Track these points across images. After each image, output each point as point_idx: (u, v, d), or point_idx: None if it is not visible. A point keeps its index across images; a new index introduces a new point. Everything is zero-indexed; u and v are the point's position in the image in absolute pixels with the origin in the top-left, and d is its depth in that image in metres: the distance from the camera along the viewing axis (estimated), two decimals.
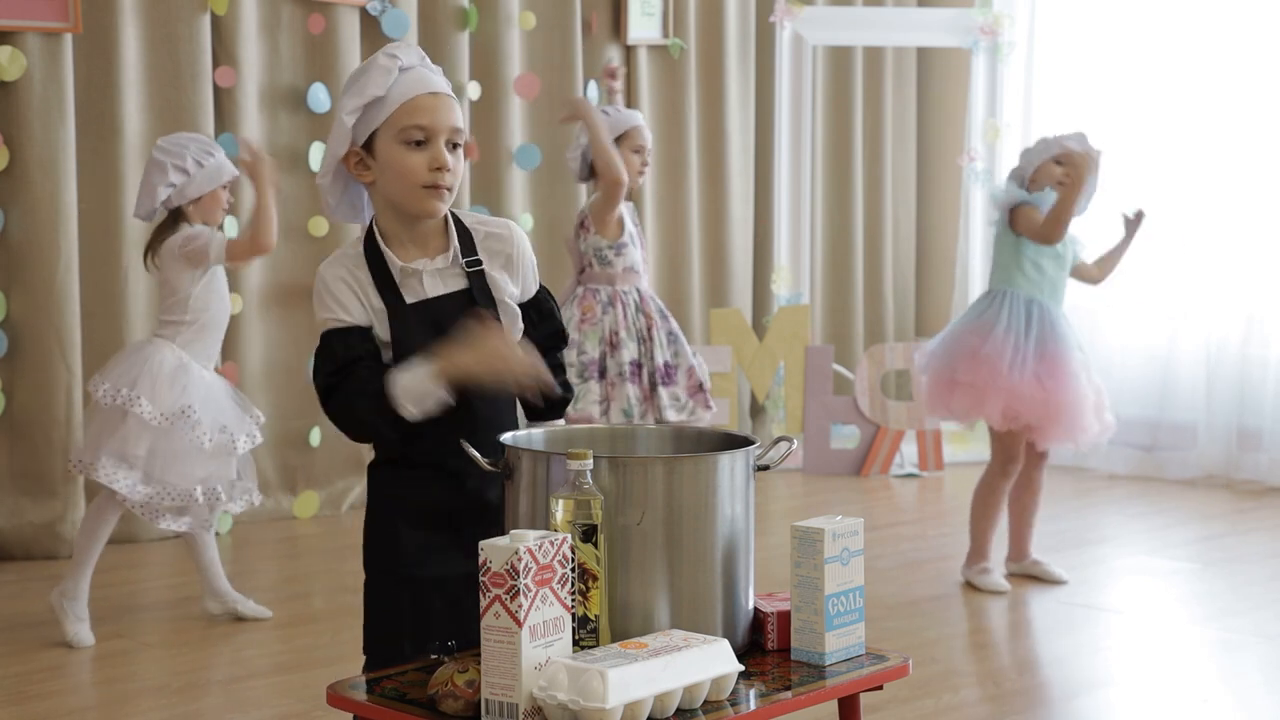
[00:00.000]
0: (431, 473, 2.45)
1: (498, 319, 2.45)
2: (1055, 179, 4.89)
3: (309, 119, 5.96)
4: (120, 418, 4.30)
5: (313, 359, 2.46)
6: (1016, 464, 4.95)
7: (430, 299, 2.43)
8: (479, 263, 2.47)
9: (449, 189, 2.42)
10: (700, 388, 5.21)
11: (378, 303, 2.42)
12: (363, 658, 2.55)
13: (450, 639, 2.16)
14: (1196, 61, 6.96)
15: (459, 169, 2.44)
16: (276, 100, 5.91)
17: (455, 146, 2.44)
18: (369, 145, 2.43)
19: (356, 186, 2.53)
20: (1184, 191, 6.99)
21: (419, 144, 2.40)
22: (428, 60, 2.48)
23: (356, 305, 2.41)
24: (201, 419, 4.32)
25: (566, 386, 2.59)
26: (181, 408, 4.31)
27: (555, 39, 6.70)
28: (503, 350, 2.35)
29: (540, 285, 2.58)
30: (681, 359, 5.20)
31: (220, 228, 4.55)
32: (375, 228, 2.47)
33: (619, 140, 5.22)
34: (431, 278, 2.44)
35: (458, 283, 2.46)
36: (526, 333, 2.51)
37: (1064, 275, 4.98)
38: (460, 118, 2.46)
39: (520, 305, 2.52)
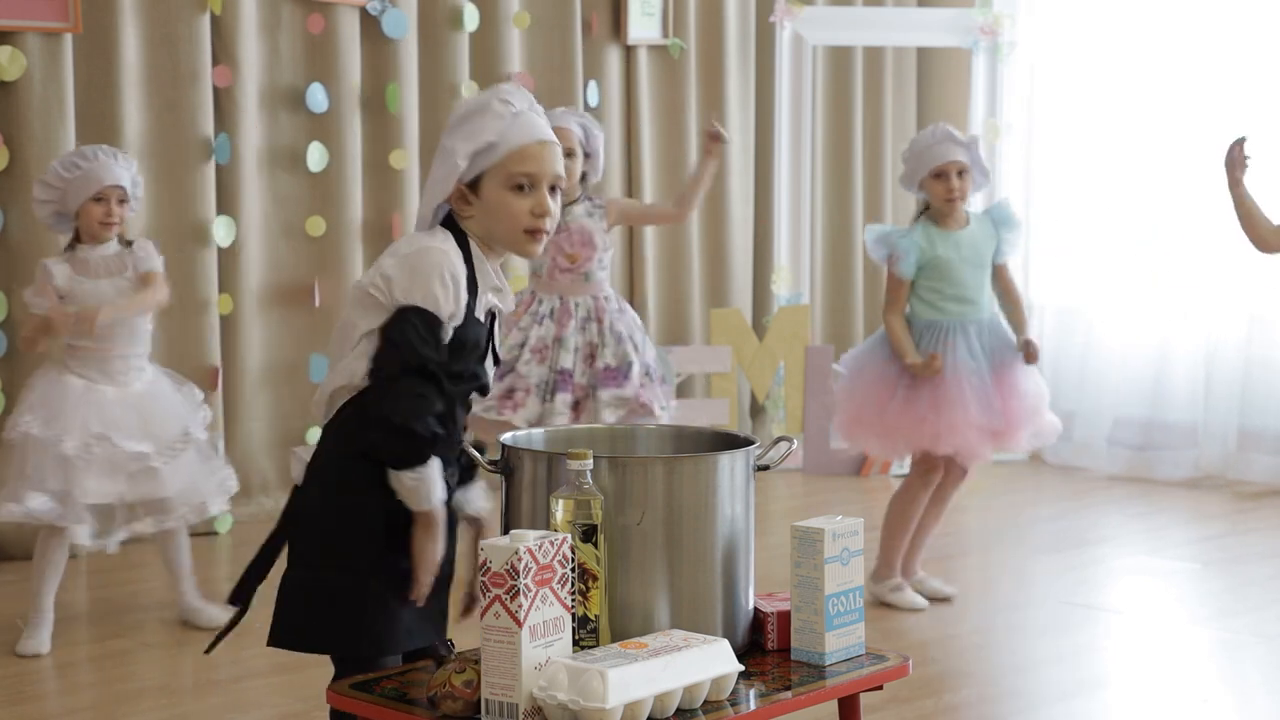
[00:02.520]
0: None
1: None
2: (940, 196, 4.67)
3: (308, 119, 5.96)
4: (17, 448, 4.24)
5: (410, 321, 2.40)
6: (937, 474, 4.80)
7: (481, 319, 2.51)
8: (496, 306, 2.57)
9: (548, 233, 2.52)
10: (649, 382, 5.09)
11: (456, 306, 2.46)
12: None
13: (411, 642, 2.19)
14: (1196, 60, 6.96)
15: (557, 213, 2.54)
16: (276, 100, 5.91)
17: (554, 190, 2.52)
18: (474, 184, 2.50)
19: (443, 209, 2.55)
20: (1184, 191, 6.98)
21: (524, 189, 2.48)
22: (535, 104, 2.56)
23: (453, 303, 2.44)
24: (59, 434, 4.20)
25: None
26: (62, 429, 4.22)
27: (555, 39, 6.70)
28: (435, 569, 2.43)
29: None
30: (634, 360, 5.01)
31: (127, 242, 4.39)
32: (467, 232, 2.51)
33: None
34: (484, 306, 2.52)
35: (488, 317, 2.56)
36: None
37: (974, 275, 4.73)
38: (561, 163, 2.55)
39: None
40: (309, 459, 2.58)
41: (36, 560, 4.34)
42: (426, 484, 2.39)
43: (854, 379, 4.82)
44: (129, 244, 4.41)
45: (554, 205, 2.52)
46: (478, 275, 2.49)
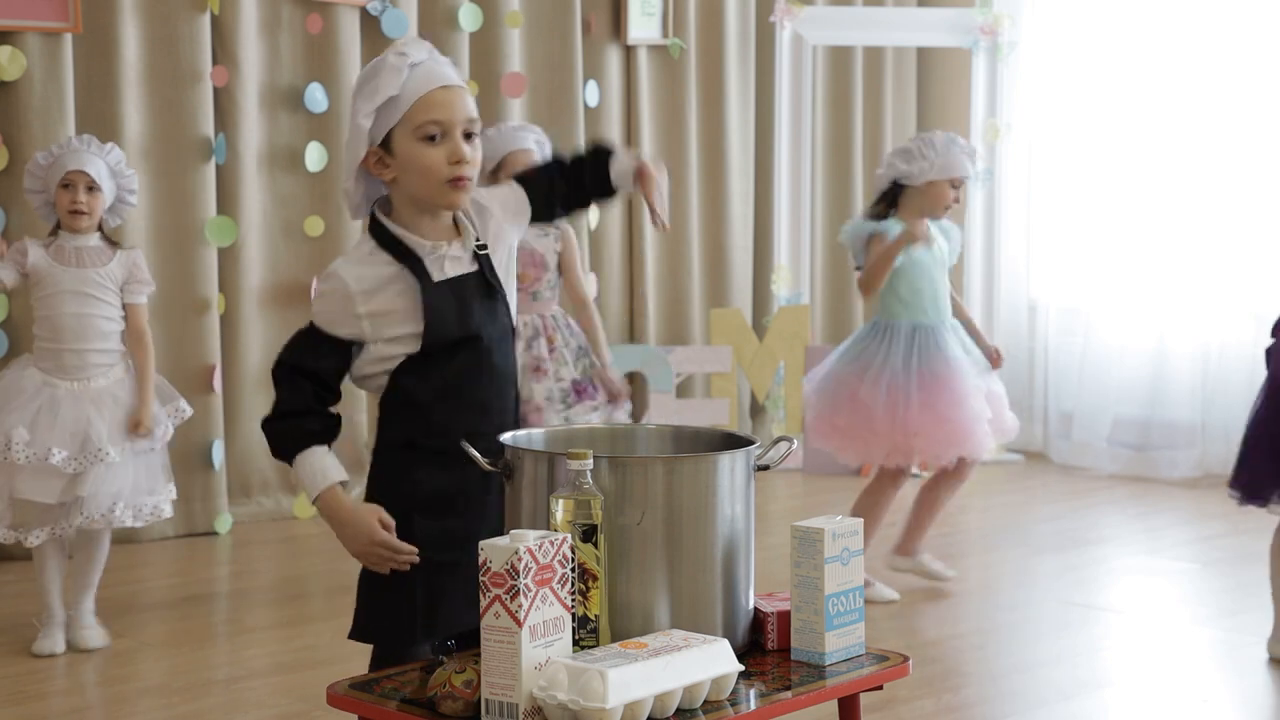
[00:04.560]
0: (441, 458, 2.48)
1: (504, 304, 2.57)
2: (945, 202, 4.76)
3: (308, 119, 5.96)
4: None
5: (290, 337, 2.60)
6: (906, 476, 4.85)
7: (453, 278, 2.51)
8: (486, 246, 2.56)
9: (470, 179, 2.49)
10: (617, 396, 5.11)
11: (383, 303, 2.48)
12: (362, 653, 2.56)
13: (458, 627, 2.19)
14: (1197, 60, 6.96)
15: (477, 158, 2.51)
16: (276, 100, 5.91)
17: (470, 136, 2.49)
18: (386, 144, 2.48)
19: (376, 184, 2.56)
20: (1186, 191, 6.99)
21: (436, 139, 2.46)
22: (436, 53, 2.52)
23: (348, 318, 2.51)
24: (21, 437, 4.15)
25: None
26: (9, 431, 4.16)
27: (555, 39, 6.70)
28: (375, 536, 2.46)
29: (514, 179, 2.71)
30: (595, 370, 5.07)
31: (101, 233, 4.32)
32: (384, 219, 2.52)
33: (499, 167, 4.79)
34: (452, 261, 2.52)
35: (470, 265, 2.54)
36: (556, 191, 2.68)
37: (943, 278, 4.84)
38: (474, 107, 2.52)
39: (528, 196, 2.67)
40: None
41: (36, 561, 4.33)
42: (302, 477, 2.50)
43: (840, 387, 4.80)
44: (114, 244, 4.36)
45: (471, 150, 2.48)
46: (414, 249, 2.49)
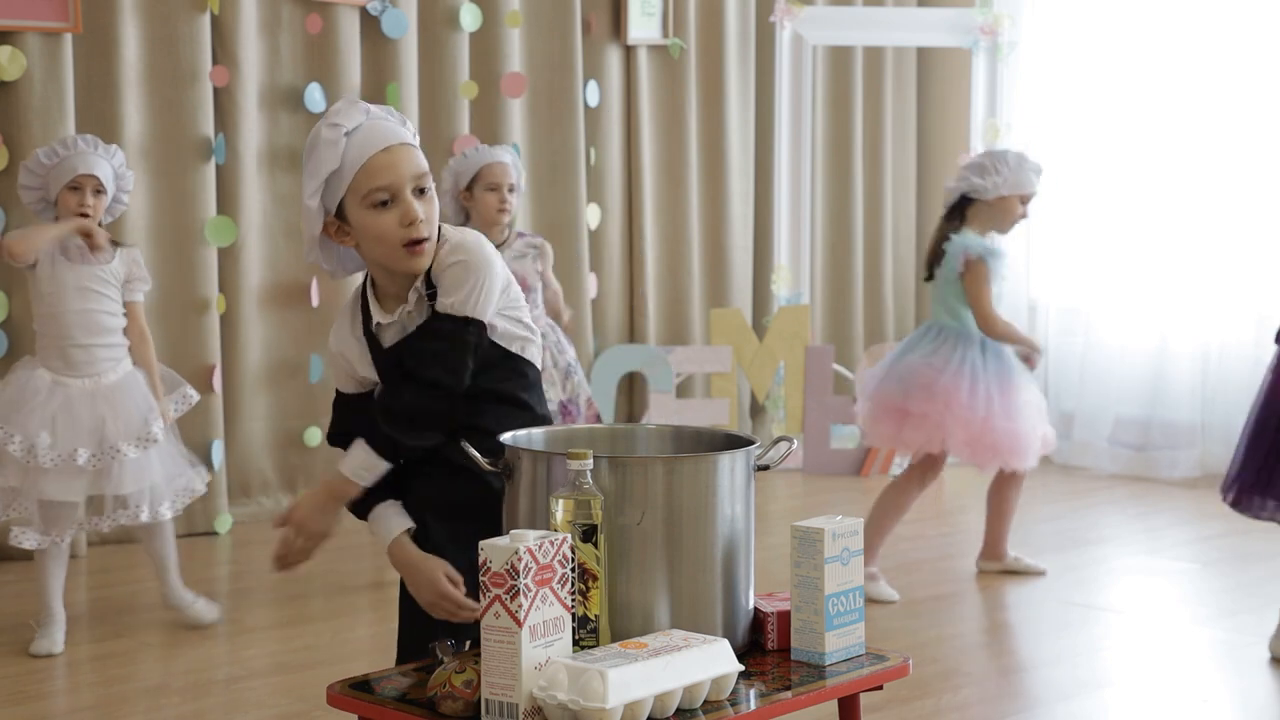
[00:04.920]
0: (446, 469, 2.49)
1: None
2: (1015, 217, 4.88)
3: (308, 119, 5.95)
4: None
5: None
6: (935, 477, 4.96)
7: (390, 348, 2.50)
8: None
9: (427, 239, 2.42)
10: (598, 418, 5.20)
11: (362, 364, 2.55)
12: (362, 653, 2.57)
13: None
14: (1197, 59, 6.96)
15: (433, 214, 2.44)
16: (276, 100, 5.91)
17: (422, 191, 2.43)
18: (340, 213, 2.45)
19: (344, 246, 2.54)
20: (1186, 191, 6.98)
21: (387, 203, 2.41)
22: (374, 111, 2.45)
23: (350, 378, 2.57)
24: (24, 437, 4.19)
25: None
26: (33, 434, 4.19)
27: (555, 39, 6.70)
28: (439, 589, 2.45)
29: (461, 318, 2.44)
30: (580, 391, 5.11)
31: (114, 242, 4.38)
32: (368, 280, 2.54)
33: (474, 181, 4.92)
34: (391, 331, 2.50)
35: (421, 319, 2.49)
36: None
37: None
38: (421, 161, 2.45)
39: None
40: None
41: (38, 561, 4.33)
42: (375, 533, 2.55)
43: (915, 376, 4.86)
44: (115, 242, 4.39)
45: (424, 207, 2.41)
46: (370, 305, 2.50)
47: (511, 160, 5.01)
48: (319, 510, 2.53)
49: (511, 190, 4.95)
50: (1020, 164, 4.86)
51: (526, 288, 4.89)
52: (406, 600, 2.54)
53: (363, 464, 2.48)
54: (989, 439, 4.79)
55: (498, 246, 4.85)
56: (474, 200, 4.96)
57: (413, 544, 2.48)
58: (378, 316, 2.49)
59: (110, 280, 4.31)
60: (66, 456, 4.18)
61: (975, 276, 4.78)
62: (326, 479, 2.54)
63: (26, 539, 4.23)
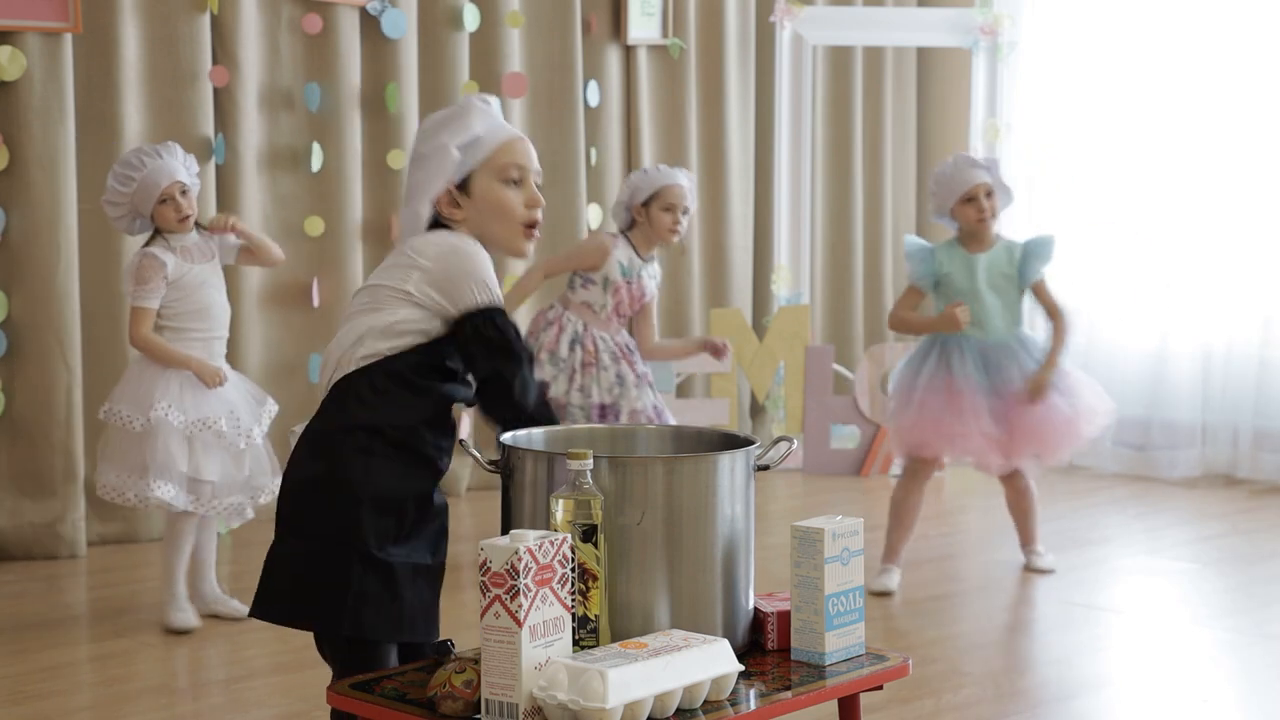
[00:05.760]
0: (429, 468, 2.52)
1: None
2: (971, 219, 4.96)
3: (308, 119, 5.96)
4: (148, 436, 4.33)
5: (497, 321, 2.48)
6: (927, 473, 5.01)
7: None
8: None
9: (539, 227, 2.58)
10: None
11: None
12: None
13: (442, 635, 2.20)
14: (1198, 58, 6.96)
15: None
16: (275, 100, 5.91)
17: (539, 188, 2.59)
18: (462, 185, 2.53)
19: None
20: (1187, 191, 6.98)
21: (517, 182, 2.54)
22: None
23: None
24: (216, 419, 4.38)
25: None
26: (203, 415, 4.37)
27: (555, 39, 6.70)
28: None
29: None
30: (625, 402, 5.10)
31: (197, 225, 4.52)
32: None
33: (651, 199, 5.06)
34: None
35: None
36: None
37: (998, 295, 4.99)
38: (537, 161, 2.63)
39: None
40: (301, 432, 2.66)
41: (171, 539, 4.47)
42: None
43: (909, 391, 4.96)
44: (201, 227, 4.55)
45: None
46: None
47: (688, 184, 5.16)
48: None
49: (685, 212, 5.11)
50: (949, 171, 4.97)
51: (644, 297, 5.15)
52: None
53: None
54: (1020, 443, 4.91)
55: (651, 259, 5.11)
56: (648, 216, 5.09)
57: None
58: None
59: (221, 271, 4.55)
60: (243, 438, 4.42)
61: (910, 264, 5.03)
62: None
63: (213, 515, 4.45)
